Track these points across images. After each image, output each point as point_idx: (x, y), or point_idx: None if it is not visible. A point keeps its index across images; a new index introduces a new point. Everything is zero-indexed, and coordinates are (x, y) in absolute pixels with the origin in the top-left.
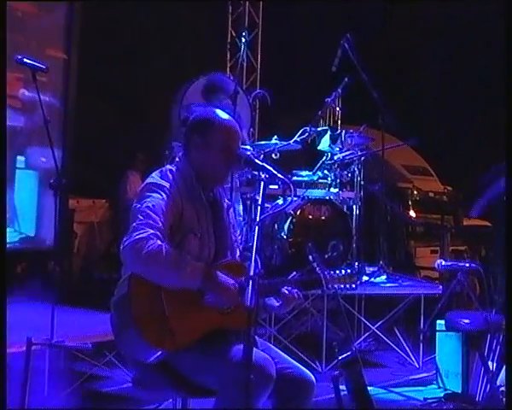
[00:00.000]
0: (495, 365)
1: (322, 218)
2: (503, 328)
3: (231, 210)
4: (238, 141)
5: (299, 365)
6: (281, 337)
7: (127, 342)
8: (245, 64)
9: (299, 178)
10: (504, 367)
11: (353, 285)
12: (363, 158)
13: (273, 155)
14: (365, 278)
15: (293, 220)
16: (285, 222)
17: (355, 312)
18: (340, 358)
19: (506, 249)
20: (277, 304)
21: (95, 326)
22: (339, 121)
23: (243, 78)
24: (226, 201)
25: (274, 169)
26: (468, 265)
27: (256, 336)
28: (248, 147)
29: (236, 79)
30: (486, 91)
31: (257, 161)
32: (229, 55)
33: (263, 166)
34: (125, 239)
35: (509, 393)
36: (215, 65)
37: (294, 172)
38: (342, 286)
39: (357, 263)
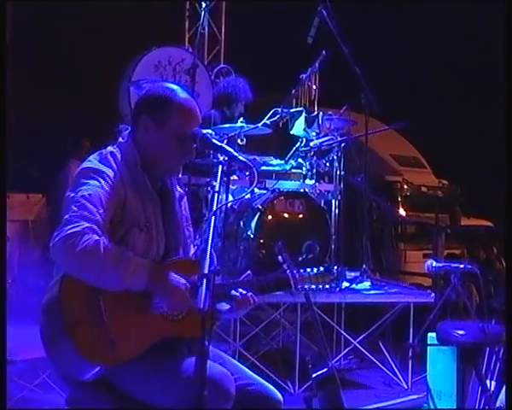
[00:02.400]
0: (494, 383)
1: (296, 214)
2: (503, 340)
3: (184, 200)
4: (196, 126)
5: (263, 381)
6: (247, 354)
7: (58, 355)
8: (206, 35)
9: (269, 168)
10: (504, 386)
11: (327, 285)
12: (343, 145)
13: (239, 141)
14: (346, 284)
15: (262, 217)
16: (252, 219)
17: (333, 323)
18: (314, 376)
19: (506, 249)
20: (225, 308)
21: (28, 341)
22: (315, 102)
23: (204, 50)
24: (178, 189)
25: (235, 151)
26: (462, 266)
27: (212, 347)
28: (209, 131)
29: (195, 52)
30: (491, 71)
31: (215, 140)
32: (187, 24)
33: (221, 146)
34: (55, 234)
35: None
36: (170, 35)
37: (263, 160)
38: (314, 287)
39: (336, 267)
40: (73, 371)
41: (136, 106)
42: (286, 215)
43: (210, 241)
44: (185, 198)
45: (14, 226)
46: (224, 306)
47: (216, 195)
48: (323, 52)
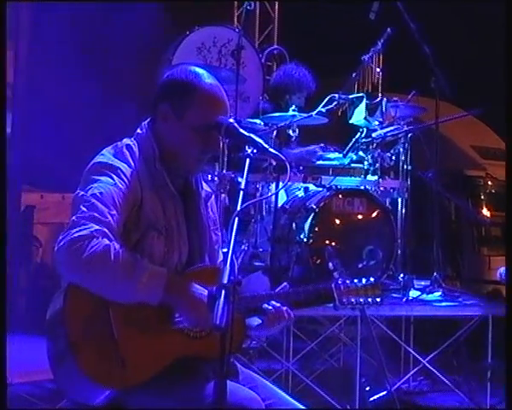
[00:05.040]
0: None
1: (356, 215)
2: None
3: (211, 201)
4: (222, 115)
5: (300, 406)
6: (300, 375)
7: (63, 376)
8: (257, 12)
9: (326, 163)
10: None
11: (377, 299)
12: (410, 135)
13: (290, 132)
14: (414, 293)
15: (317, 218)
16: (305, 220)
17: (397, 338)
18: (370, 400)
19: (506, 249)
20: (256, 324)
21: None
22: (379, 87)
23: (255, 31)
24: (205, 188)
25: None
26: None
27: (240, 367)
28: (258, 121)
29: (242, 31)
30: None
31: (242, 131)
32: (236, 1)
33: (250, 137)
34: (60, 238)
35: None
36: (216, 13)
37: (319, 153)
38: (362, 300)
39: (402, 275)
40: (81, 396)
41: (155, 92)
42: (344, 216)
43: (231, 247)
44: (213, 198)
45: (48, 229)
46: (256, 321)
47: (241, 192)
48: (388, 30)
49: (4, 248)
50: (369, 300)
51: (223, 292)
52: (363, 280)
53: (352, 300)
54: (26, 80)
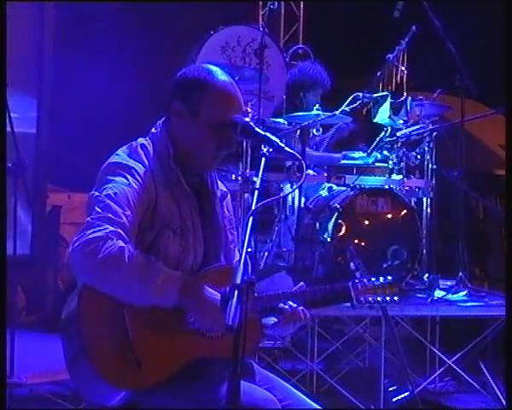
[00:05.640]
0: None
1: (380, 214)
2: None
3: (227, 200)
4: (237, 113)
5: (313, 403)
6: (325, 375)
7: (79, 377)
8: (282, 11)
9: (350, 162)
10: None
11: (395, 297)
12: (435, 134)
13: (314, 131)
14: (439, 293)
15: (341, 218)
16: (329, 220)
17: (422, 339)
18: (393, 400)
19: (506, 249)
20: (272, 322)
21: None
22: (403, 85)
23: (280, 30)
24: (220, 187)
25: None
26: None
27: (257, 367)
28: (281, 120)
29: (265, 30)
30: None
31: (258, 129)
32: (261, 1)
33: (265, 136)
34: (75, 239)
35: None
36: (241, 12)
37: (343, 153)
38: (379, 299)
39: (427, 275)
40: (96, 396)
41: (169, 89)
42: (368, 216)
43: (245, 246)
44: (228, 197)
45: (75, 229)
46: (272, 320)
47: (256, 192)
48: (413, 28)
49: (4, 248)
50: (387, 298)
51: (235, 292)
52: (381, 279)
53: (370, 298)
54: (51, 79)
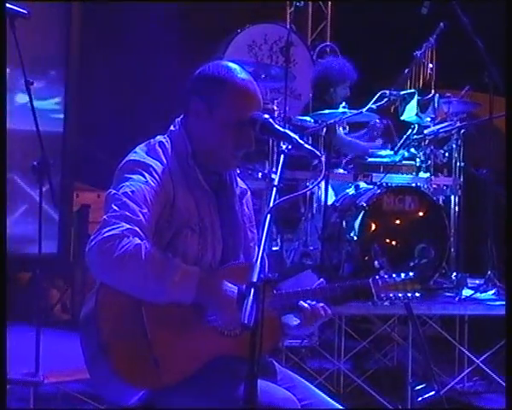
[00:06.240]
0: None
1: (407, 213)
2: None
3: (246, 198)
4: (256, 111)
5: (335, 403)
6: (351, 375)
7: (97, 376)
8: (310, 10)
9: (377, 160)
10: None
11: (417, 294)
12: (463, 131)
13: (340, 129)
14: (467, 292)
15: (367, 216)
16: (356, 218)
17: (450, 338)
18: (419, 399)
19: (507, 249)
20: (295, 323)
21: None
22: (431, 82)
23: (308, 27)
24: (240, 185)
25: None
26: None
27: (278, 367)
28: (308, 118)
29: (291, 28)
30: None
31: (277, 126)
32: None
33: (284, 133)
34: (92, 237)
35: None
36: (268, 10)
37: (370, 151)
38: (401, 295)
39: (455, 273)
40: (114, 395)
41: (187, 87)
42: (395, 214)
43: (262, 244)
44: (248, 194)
45: None
46: (294, 320)
47: (274, 189)
48: (441, 25)
49: (4, 247)
50: (409, 295)
51: (252, 290)
52: (402, 275)
53: (391, 295)
54: (79, 78)
